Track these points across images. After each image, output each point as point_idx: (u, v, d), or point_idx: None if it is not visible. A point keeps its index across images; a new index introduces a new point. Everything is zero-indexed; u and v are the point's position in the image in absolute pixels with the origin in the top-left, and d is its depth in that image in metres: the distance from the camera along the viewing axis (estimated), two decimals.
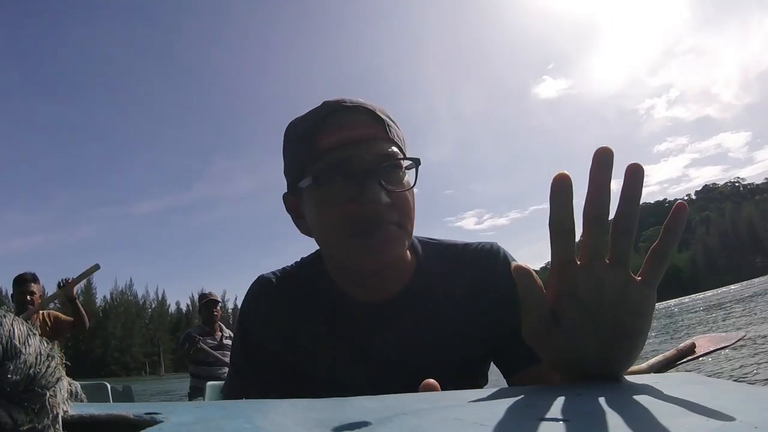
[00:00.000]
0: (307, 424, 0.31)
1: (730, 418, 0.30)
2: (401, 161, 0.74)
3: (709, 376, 0.51)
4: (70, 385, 0.29)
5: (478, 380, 0.84)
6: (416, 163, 0.75)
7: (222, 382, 2.15)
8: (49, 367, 0.27)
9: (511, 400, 0.37)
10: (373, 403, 0.36)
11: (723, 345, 1.14)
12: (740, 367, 5.95)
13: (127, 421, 0.30)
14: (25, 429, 0.25)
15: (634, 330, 0.44)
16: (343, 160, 0.70)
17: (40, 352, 0.27)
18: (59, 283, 3.38)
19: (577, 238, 0.45)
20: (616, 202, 0.44)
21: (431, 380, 0.45)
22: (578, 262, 0.44)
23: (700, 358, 1.11)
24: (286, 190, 0.81)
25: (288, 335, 0.79)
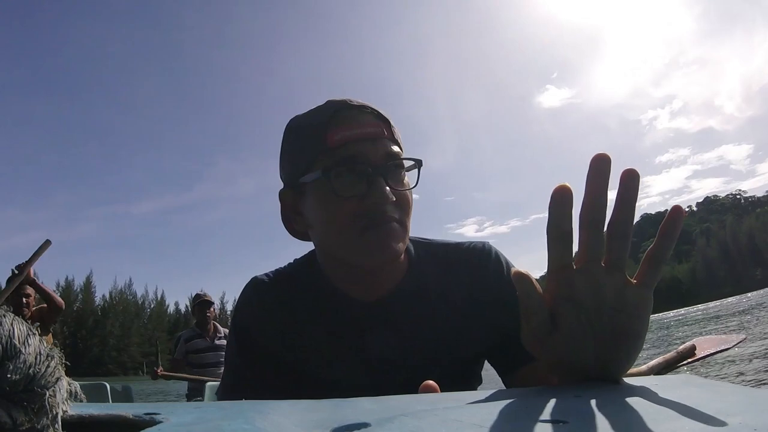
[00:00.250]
0: (307, 425, 0.31)
1: (730, 420, 0.30)
2: (404, 161, 0.76)
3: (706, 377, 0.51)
4: (69, 385, 0.29)
5: (471, 380, 0.84)
6: (419, 164, 0.77)
7: None
8: (48, 366, 0.27)
9: (510, 402, 0.37)
10: (373, 404, 0.36)
11: (723, 347, 1.14)
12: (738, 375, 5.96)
13: (127, 421, 0.30)
14: (24, 429, 0.25)
15: (632, 332, 0.44)
16: (351, 156, 0.72)
17: (40, 351, 0.27)
18: (13, 270, 3.11)
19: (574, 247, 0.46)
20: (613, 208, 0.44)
21: (431, 382, 0.45)
22: (575, 267, 0.44)
23: (700, 361, 1.11)
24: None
25: (282, 335, 0.80)
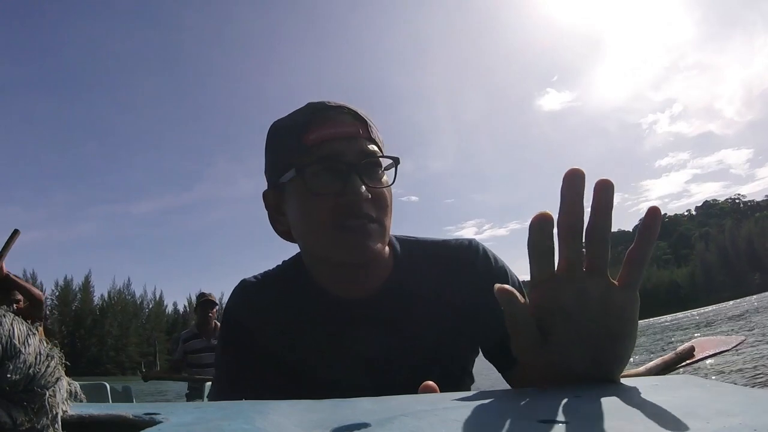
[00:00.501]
0: (307, 425, 0.31)
1: (730, 421, 0.30)
2: (381, 159, 0.77)
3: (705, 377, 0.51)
4: (69, 385, 0.29)
5: (462, 378, 0.84)
6: (396, 162, 0.78)
7: None
8: (48, 366, 0.27)
9: (510, 403, 0.37)
10: (373, 405, 0.36)
11: (722, 349, 1.14)
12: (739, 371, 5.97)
13: (127, 421, 0.30)
14: (24, 429, 0.25)
15: (621, 334, 0.44)
16: (328, 155, 0.73)
17: (40, 351, 0.27)
18: None
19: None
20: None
21: (430, 382, 0.45)
22: (557, 275, 0.44)
23: (699, 362, 1.11)
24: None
25: (271, 336, 0.81)
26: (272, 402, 0.36)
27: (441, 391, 0.46)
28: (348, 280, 0.78)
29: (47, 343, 0.28)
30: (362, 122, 0.77)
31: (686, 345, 1.07)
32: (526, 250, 0.44)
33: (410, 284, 0.79)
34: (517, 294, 0.44)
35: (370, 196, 0.73)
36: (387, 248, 0.80)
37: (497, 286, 0.44)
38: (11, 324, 0.26)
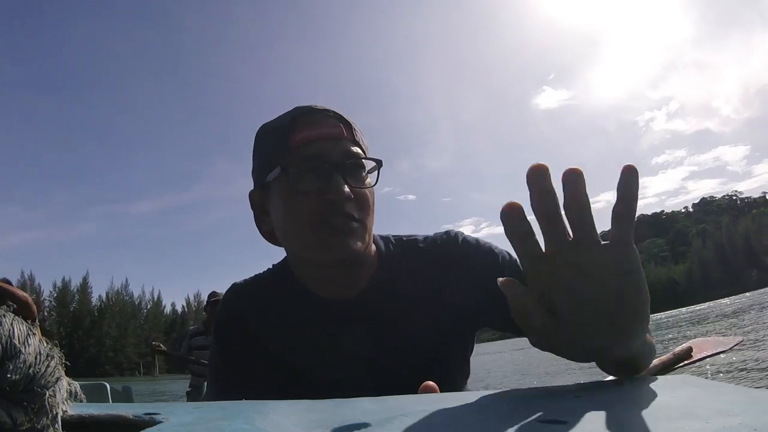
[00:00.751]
0: (307, 425, 0.31)
1: (730, 421, 0.30)
2: (365, 162, 0.78)
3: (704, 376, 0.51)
4: (69, 385, 0.29)
5: (455, 374, 0.85)
6: (378, 164, 0.80)
7: None
8: (48, 366, 0.27)
9: (510, 402, 0.37)
10: (373, 405, 0.36)
11: (720, 349, 1.13)
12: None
13: (127, 421, 0.30)
14: (24, 429, 0.25)
15: (630, 288, 0.43)
16: (313, 155, 0.75)
17: (40, 351, 0.27)
18: None
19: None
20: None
21: (430, 382, 0.45)
22: (547, 255, 0.44)
23: (697, 363, 1.11)
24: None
25: (268, 336, 0.82)
26: (272, 402, 0.36)
27: (438, 387, 0.46)
28: (333, 281, 0.79)
29: (47, 343, 0.28)
30: (347, 125, 0.79)
31: (684, 345, 1.06)
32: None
33: (397, 282, 0.80)
34: (519, 284, 0.44)
35: (353, 196, 0.74)
36: (372, 248, 0.81)
37: (500, 280, 0.44)
38: (11, 324, 0.26)
